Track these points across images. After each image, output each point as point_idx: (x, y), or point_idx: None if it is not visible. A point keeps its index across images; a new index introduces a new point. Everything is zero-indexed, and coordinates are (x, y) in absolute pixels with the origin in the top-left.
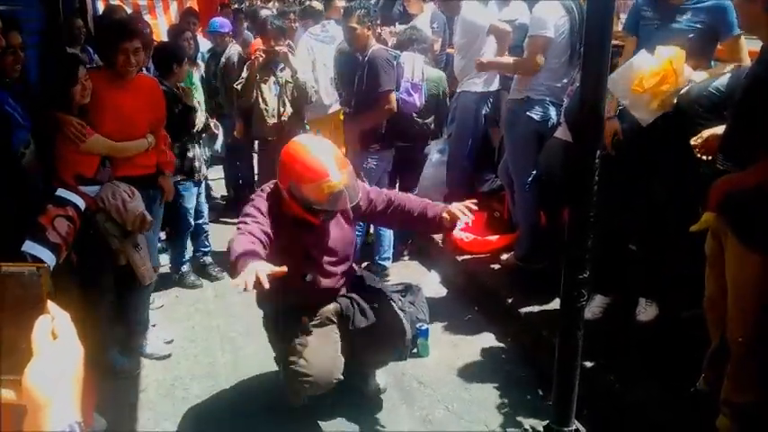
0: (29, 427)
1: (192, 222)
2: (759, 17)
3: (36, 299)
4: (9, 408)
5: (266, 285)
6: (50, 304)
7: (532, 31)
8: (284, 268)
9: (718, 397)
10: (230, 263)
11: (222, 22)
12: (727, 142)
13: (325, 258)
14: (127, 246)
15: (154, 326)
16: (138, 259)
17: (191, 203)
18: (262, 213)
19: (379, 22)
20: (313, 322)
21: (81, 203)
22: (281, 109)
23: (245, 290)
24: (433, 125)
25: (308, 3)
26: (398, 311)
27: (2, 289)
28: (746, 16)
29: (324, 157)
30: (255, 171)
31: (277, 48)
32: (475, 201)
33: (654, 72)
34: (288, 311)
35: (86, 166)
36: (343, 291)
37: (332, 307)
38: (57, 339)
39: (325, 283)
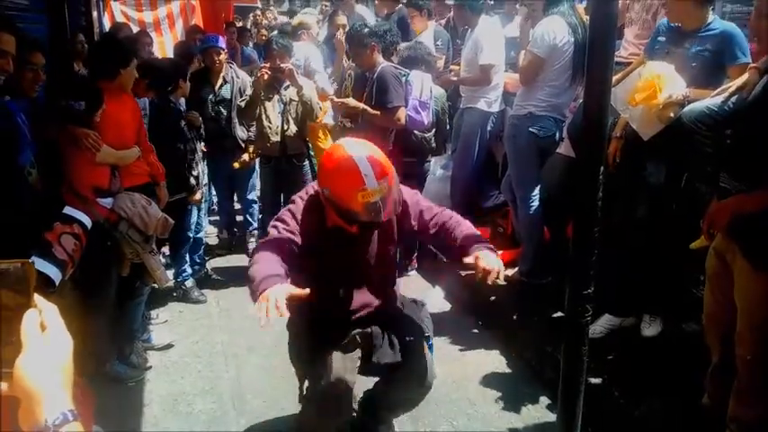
0: (23, 419)
1: (192, 236)
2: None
3: (23, 293)
4: (2, 399)
5: (284, 313)
6: (38, 298)
7: (530, 47)
8: (306, 291)
9: (723, 412)
10: (250, 287)
11: (217, 38)
12: (735, 162)
13: (363, 273)
14: (145, 251)
15: (166, 321)
16: (154, 263)
17: (193, 218)
18: (295, 219)
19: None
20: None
21: (87, 221)
22: (285, 127)
23: (264, 324)
24: (433, 141)
25: (301, 13)
26: (426, 355)
27: None
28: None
29: (362, 163)
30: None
31: (282, 65)
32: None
33: (644, 86)
34: (314, 330)
35: (101, 177)
36: (377, 315)
37: (361, 331)
38: (45, 331)
39: (359, 300)
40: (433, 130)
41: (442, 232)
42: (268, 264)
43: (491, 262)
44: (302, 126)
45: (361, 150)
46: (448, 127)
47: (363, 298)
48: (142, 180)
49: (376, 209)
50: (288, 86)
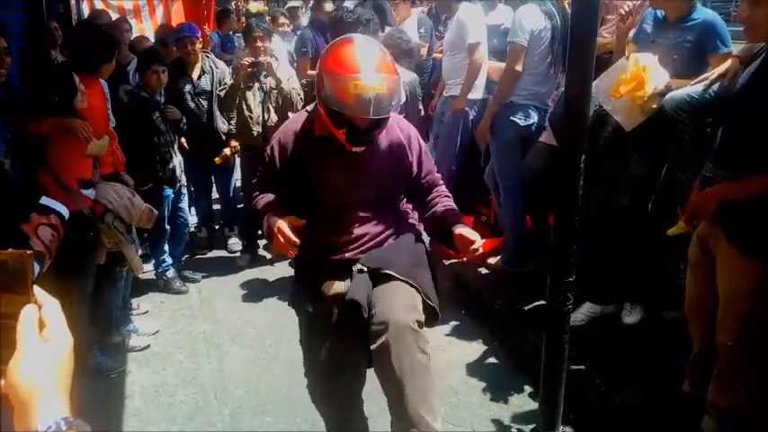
0: (17, 422)
1: (167, 228)
2: None
3: (21, 286)
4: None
5: (293, 240)
6: (39, 291)
7: (510, 37)
8: (300, 220)
9: (703, 399)
10: (262, 228)
11: (192, 26)
12: (720, 151)
13: (357, 196)
14: (126, 241)
15: (147, 312)
16: (132, 252)
17: (167, 210)
18: (279, 143)
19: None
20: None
21: (65, 212)
22: (265, 116)
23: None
24: None
25: (290, 3)
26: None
27: None
28: None
29: (363, 54)
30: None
31: (261, 59)
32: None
33: (629, 78)
34: (307, 275)
35: (86, 169)
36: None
37: (339, 286)
38: (44, 329)
39: (352, 230)
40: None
41: (430, 193)
42: (266, 199)
43: (472, 236)
44: (283, 116)
45: (366, 44)
46: (422, 114)
47: (357, 228)
48: (107, 170)
49: (370, 106)
50: (268, 75)
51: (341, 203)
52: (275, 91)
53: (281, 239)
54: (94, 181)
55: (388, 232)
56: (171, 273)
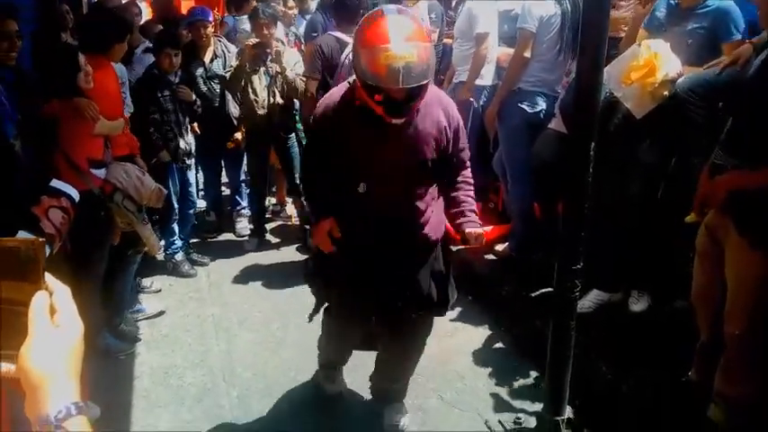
0: (29, 408)
1: (176, 205)
2: None
3: (33, 273)
4: (8, 383)
5: (330, 245)
6: (50, 278)
7: (519, 23)
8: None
9: (710, 388)
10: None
11: (204, 10)
12: (731, 138)
13: (389, 171)
14: (139, 221)
15: (159, 291)
16: (147, 231)
17: (175, 187)
18: (322, 129)
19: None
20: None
21: (75, 195)
22: (271, 100)
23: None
24: None
25: None
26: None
27: None
28: None
29: (395, 24)
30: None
31: (269, 42)
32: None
33: (641, 65)
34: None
35: (96, 148)
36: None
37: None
38: (55, 316)
39: (385, 203)
40: None
41: (457, 173)
42: (321, 190)
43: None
44: (289, 102)
45: (399, 15)
46: None
47: (390, 202)
48: (123, 152)
49: (401, 75)
50: (274, 61)
51: (381, 177)
52: (280, 75)
53: (321, 239)
54: (106, 161)
55: (422, 212)
56: (180, 256)
